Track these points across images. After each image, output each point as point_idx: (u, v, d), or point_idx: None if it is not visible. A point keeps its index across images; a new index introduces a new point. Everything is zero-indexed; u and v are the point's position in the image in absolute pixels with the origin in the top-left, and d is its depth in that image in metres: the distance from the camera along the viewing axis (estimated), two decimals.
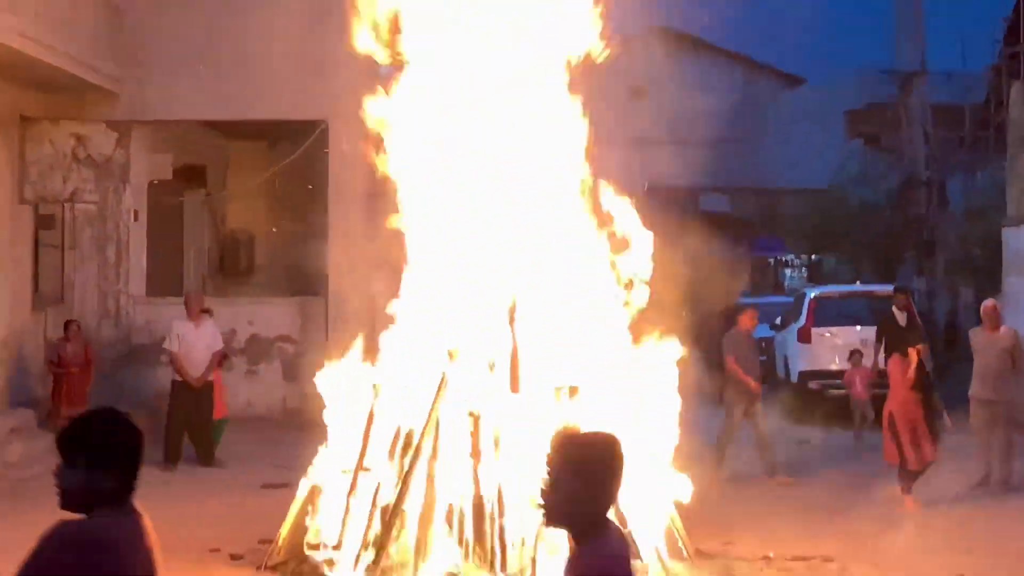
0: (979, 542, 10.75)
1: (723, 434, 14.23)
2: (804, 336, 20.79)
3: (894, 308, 16.79)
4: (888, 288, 21.81)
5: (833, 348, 20.22)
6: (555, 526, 3.54)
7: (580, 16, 10.24)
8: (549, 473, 3.52)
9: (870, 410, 17.26)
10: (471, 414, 9.40)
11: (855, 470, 14.57)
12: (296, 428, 14.43)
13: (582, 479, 3.47)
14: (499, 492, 9.19)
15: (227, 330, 16.01)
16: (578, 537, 3.50)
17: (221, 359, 15.61)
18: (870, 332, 20.11)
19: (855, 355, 17.90)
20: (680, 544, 9.58)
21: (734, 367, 14.18)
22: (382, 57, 10.37)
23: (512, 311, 9.84)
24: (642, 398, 10.03)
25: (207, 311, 15.61)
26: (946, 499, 12.39)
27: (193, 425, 14.93)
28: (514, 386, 9.64)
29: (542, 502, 3.52)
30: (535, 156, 10.17)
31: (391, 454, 9.61)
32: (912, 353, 12.56)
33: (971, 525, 11.45)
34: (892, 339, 15.34)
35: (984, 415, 13.46)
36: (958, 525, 11.41)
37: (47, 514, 3.86)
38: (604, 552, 3.43)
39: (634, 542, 9.25)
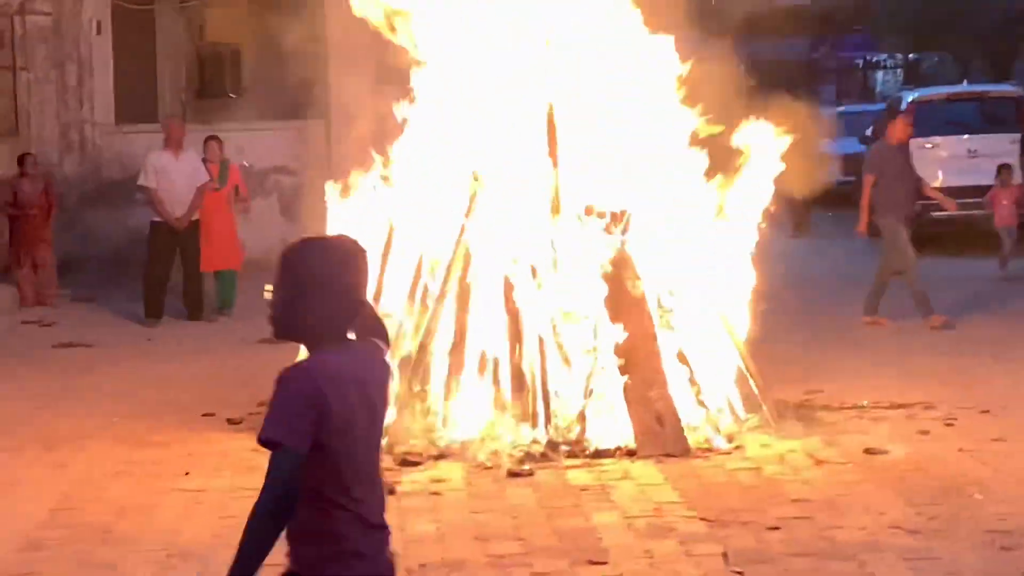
0: None
1: (909, 272, 13.53)
2: None
3: None
4: (1003, 88, 21.44)
5: (937, 162, 19.99)
6: (282, 338, 3.72)
7: None
8: (275, 283, 3.72)
9: (1010, 236, 17.09)
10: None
11: (966, 304, 14.53)
12: None
13: (299, 286, 3.64)
14: (540, 337, 9.20)
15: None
16: (311, 350, 3.70)
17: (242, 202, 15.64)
18: (982, 142, 19.90)
19: (1004, 170, 17.63)
20: (755, 391, 9.59)
21: (868, 190, 13.75)
22: None
23: (551, 118, 9.73)
24: (709, 227, 9.97)
25: (215, 139, 15.55)
26: None
27: (185, 274, 15.02)
28: (555, 210, 9.58)
29: (270, 314, 3.72)
30: None
31: (411, 296, 9.61)
32: None
33: None
34: None
35: None
36: None
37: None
38: (317, 364, 3.61)
39: (698, 389, 9.29)
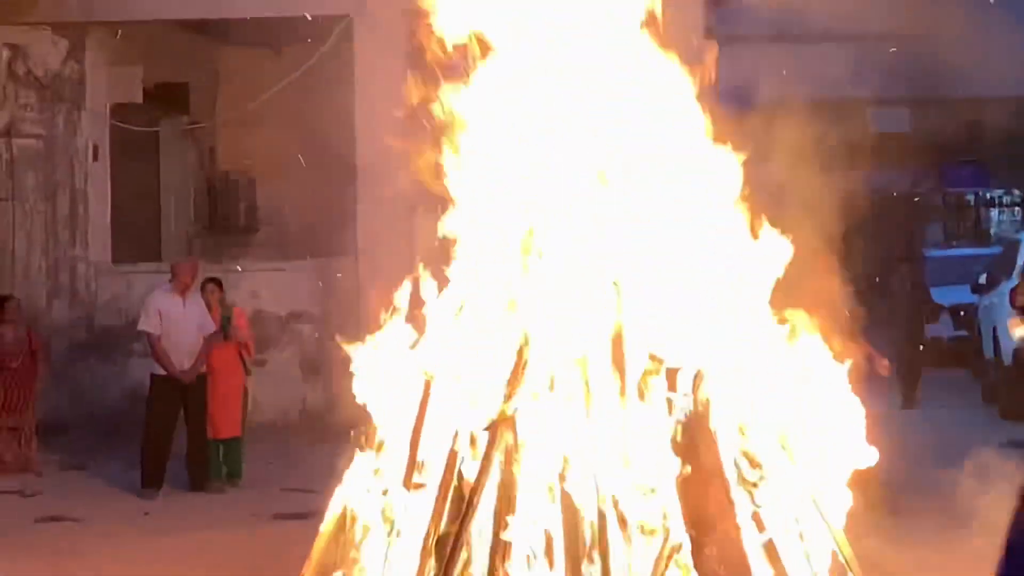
0: None
1: None
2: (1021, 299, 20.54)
3: None
4: None
5: None
6: None
7: None
8: None
9: None
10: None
11: None
12: (319, 437, 14.53)
13: None
14: (600, 513, 9.17)
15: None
16: None
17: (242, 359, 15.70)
18: None
19: None
20: None
21: None
22: None
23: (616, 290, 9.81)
24: (798, 389, 9.98)
25: (214, 281, 15.63)
26: None
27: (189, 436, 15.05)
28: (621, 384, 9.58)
29: None
30: (637, 63, 10.12)
31: (449, 467, 9.61)
32: None
33: None
34: None
35: None
36: None
37: None
38: None
39: None
